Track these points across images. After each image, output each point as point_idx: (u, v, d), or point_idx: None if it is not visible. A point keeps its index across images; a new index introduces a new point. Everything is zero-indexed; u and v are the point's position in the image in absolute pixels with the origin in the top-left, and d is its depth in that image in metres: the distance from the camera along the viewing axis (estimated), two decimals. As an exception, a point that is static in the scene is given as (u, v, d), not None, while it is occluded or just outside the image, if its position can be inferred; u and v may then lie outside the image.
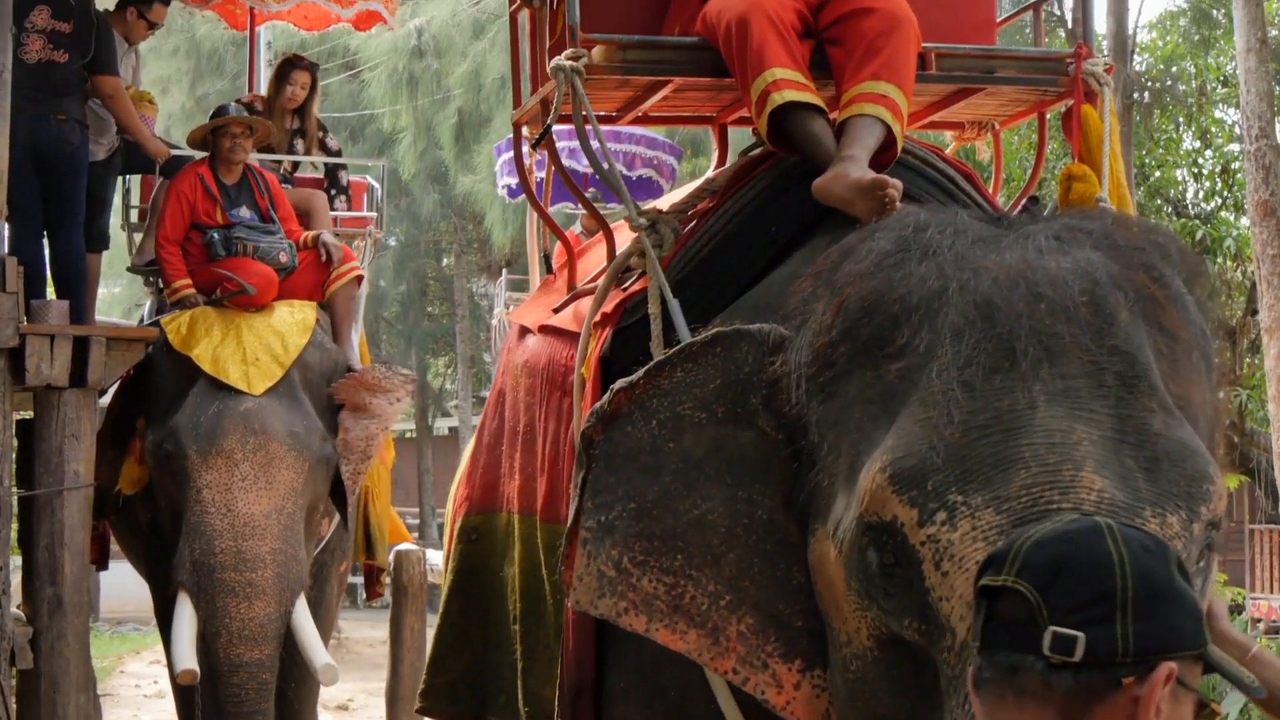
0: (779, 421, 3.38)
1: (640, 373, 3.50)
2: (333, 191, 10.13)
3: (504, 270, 22.05)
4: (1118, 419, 2.89)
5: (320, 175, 10.28)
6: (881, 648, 3.07)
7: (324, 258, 9.02)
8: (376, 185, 10.74)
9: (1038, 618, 2.00)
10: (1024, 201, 4.80)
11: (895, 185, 3.95)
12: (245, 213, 8.96)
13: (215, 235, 8.82)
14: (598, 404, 3.50)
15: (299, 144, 10.12)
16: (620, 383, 3.49)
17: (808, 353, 3.28)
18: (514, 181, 12.88)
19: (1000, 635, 2.05)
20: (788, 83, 4.34)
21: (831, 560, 3.16)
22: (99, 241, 9.44)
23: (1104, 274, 3.08)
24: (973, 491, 2.83)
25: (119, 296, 30.46)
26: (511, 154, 11.70)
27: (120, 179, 9.93)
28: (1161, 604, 1.99)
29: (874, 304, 3.16)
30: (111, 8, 9.56)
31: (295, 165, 10.14)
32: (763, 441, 3.41)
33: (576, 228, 11.36)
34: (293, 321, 8.66)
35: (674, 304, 4.18)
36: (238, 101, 10.03)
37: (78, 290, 8.74)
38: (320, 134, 10.28)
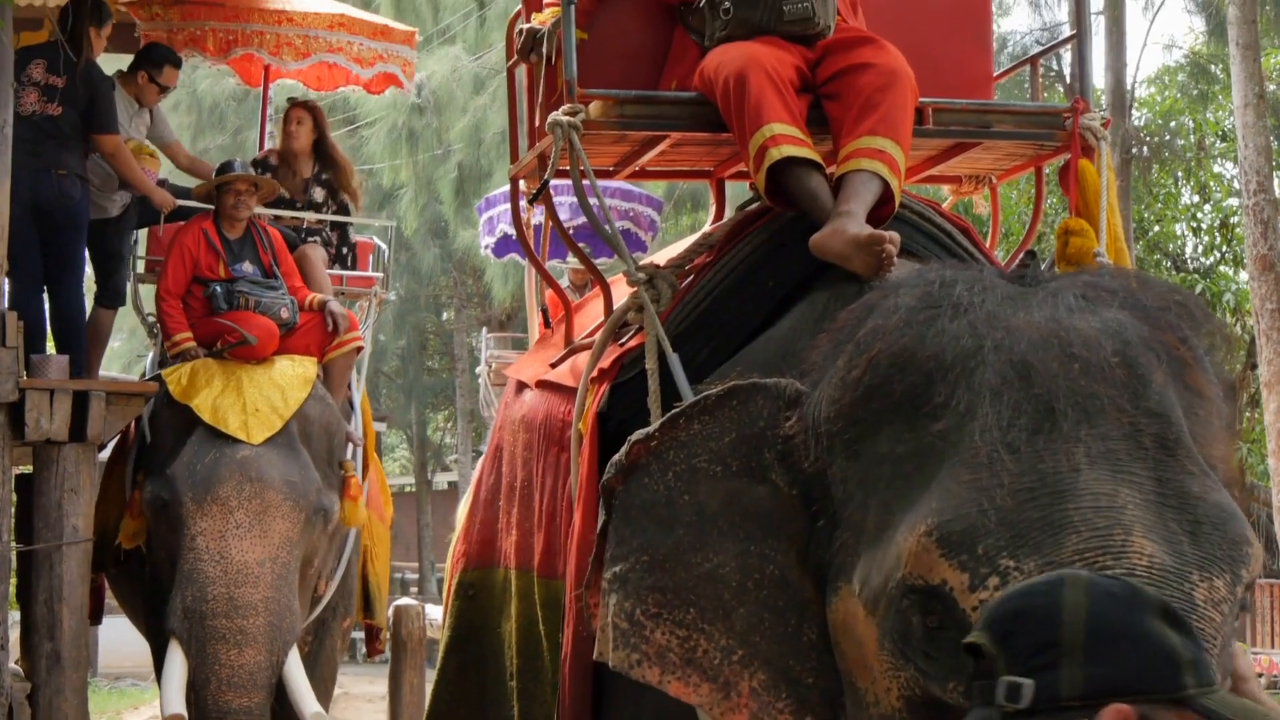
0: (794, 477, 3.37)
1: (657, 424, 3.50)
2: (344, 249, 10.15)
3: (483, 329, 22.16)
4: (1158, 482, 2.88)
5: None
6: (911, 709, 3.03)
7: (330, 326, 9.05)
8: (383, 246, 10.76)
9: (998, 669, 2.02)
10: (1021, 256, 4.80)
11: (893, 240, 3.96)
12: (248, 267, 8.97)
13: (217, 289, 8.83)
14: (617, 455, 3.49)
15: (316, 191, 10.09)
16: (638, 434, 3.49)
17: (830, 408, 3.26)
18: (493, 241, 12.94)
19: (980, 692, 2.06)
20: (786, 138, 4.35)
21: (861, 620, 3.12)
22: (114, 299, 9.47)
23: (1134, 335, 3.09)
24: (1024, 556, 2.81)
25: (119, 351, 30.45)
26: (494, 211, 11.72)
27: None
28: (1121, 646, 1.99)
29: (906, 360, 3.14)
30: (125, 69, 9.64)
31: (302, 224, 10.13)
32: (776, 497, 3.39)
33: (564, 281, 11.36)
34: (293, 374, 8.66)
35: (674, 358, 4.17)
36: (256, 157, 10.10)
37: (77, 345, 8.75)
38: (349, 176, 10.21)
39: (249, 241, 9.07)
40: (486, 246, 13.32)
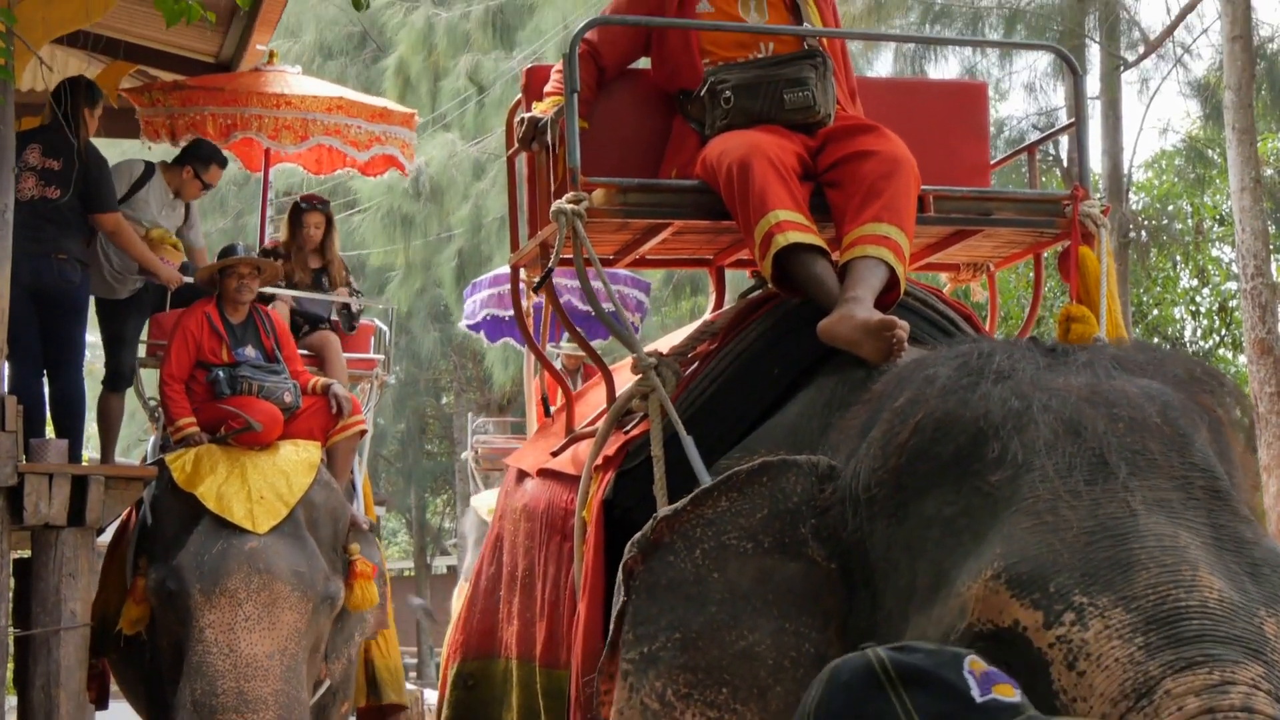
0: (831, 549, 3.35)
1: (683, 502, 3.48)
2: (350, 334, 10.26)
3: (469, 414, 22.13)
4: (1213, 527, 2.93)
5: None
6: None
7: (334, 409, 9.06)
8: (384, 328, 10.81)
9: None
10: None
11: (903, 326, 3.98)
12: (251, 352, 9.00)
13: (220, 374, 8.86)
14: (638, 534, 3.47)
15: (325, 281, 10.22)
16: (662, 511, 3.47)
17: (871, 475, 3.26)
18: (478, 319, 13.00)
19: None
20: (791, 224, 4.37)
21: None
22: (119, 381, 9.49)
23: (1173, 398, 3.15)
24: (1097, 593, 2.82)
25: (120, 434, 30.46)
26: (481, 295, 11.78)
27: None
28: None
29: (953, 423, 3.16)
30: (170, 161, 9.74)
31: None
32: (812, 572, 3.38)
33: (556, 363, 11.38)
34: (298, 460, 8.66)
35: (688, 441, 4.14)
36: (266, 248, 10.17)
37: (76, 429, 8.77)
38: (345, 273, 10.40)
39: (251, 326, 9.09)
40: (466, 325, 13.43)
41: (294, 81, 10.62)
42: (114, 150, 9.66)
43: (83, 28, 9.06)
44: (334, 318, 10.16)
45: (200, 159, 9.82)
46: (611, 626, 3.45)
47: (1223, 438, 3.20)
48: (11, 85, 8.13)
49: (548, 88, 5.05)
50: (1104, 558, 2.86)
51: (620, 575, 3.47)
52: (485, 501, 13.72)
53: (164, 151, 10.35)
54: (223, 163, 10.01)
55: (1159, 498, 2.95)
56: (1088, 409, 3.08)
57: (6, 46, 7.17)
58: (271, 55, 10.84)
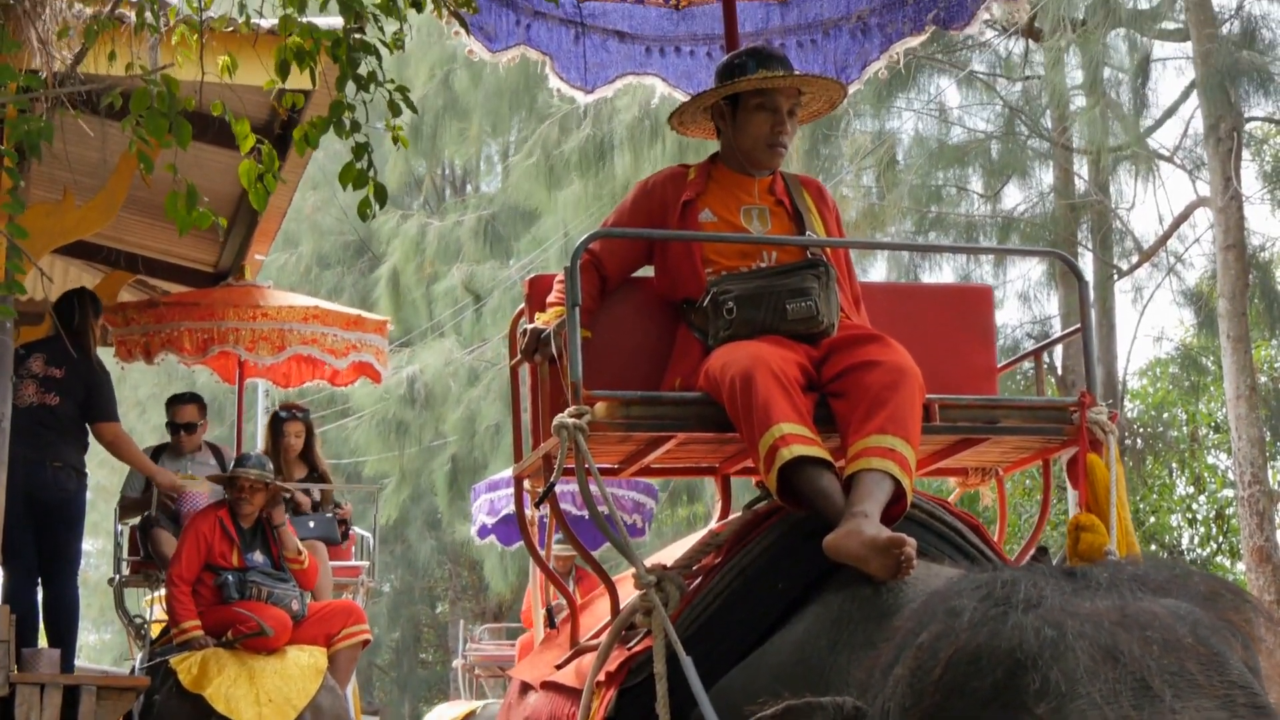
0: None
1: None
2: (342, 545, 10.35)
3: (462, 621, 22.04)
4: None
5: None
6: None
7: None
8: (367, 535, 10.88)
9: None
10: (1033, 551, 4.77)
11: (911, 544, 3.93)
12: (260, 558, 9.09)
13: (230, 578, 8.92)
14: None
15: (314, 492, 10.31)
16: None
17: (904, 717, 3.16)
18: (490, 521, 12.99)
19: None
20: (796, 437, 4.34)
21: None
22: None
23: (1201, 616, 3.11)
24: None
25: (110, 644, 30.25)
26: (487, 497, 11.86)
27: (115, 527, 10.05)
28: None
29: (988, 656, 3.07)
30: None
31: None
32: None
33: (550, 564, 11.42)
34: (305, 665, 8.73)
35: (687, 662, 4.07)
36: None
37: (69, 638, 8.75)
38: (330, 482, 10.50)
39: (260, 533, 9.17)
40: (479, 527, 13.46)
41: (268, 293, 10.75)
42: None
43: (83, 238, 9.14)
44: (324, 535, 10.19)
45: (171, 410, 10.11)
46: None
47: (1253, 653, 3.16)
48: (12, 298, 8.18)
49: (550, 298, 5.06)
50: None
51: None
52: (444, 713, 13.84)
53: (137, 371, 10.46)
54: (187, 399, 10.25)
55: (1207, 718, 2.91)
56: (1122, 633, 3.03)
57: (14, 260, 7.22)
58: (243, 270, 11.01)
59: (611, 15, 6.59)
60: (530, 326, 5.00)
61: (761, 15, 6.66)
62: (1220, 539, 23.35)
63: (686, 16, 6.66)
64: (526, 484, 5.23)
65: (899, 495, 4.32)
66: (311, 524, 9.99)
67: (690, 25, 6.66)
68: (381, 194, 5.53)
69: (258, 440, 11.51)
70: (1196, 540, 23.86)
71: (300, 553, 9.16)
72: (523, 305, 5.31)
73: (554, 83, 6.53)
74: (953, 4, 6.16)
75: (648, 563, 4.53)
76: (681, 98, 6.34)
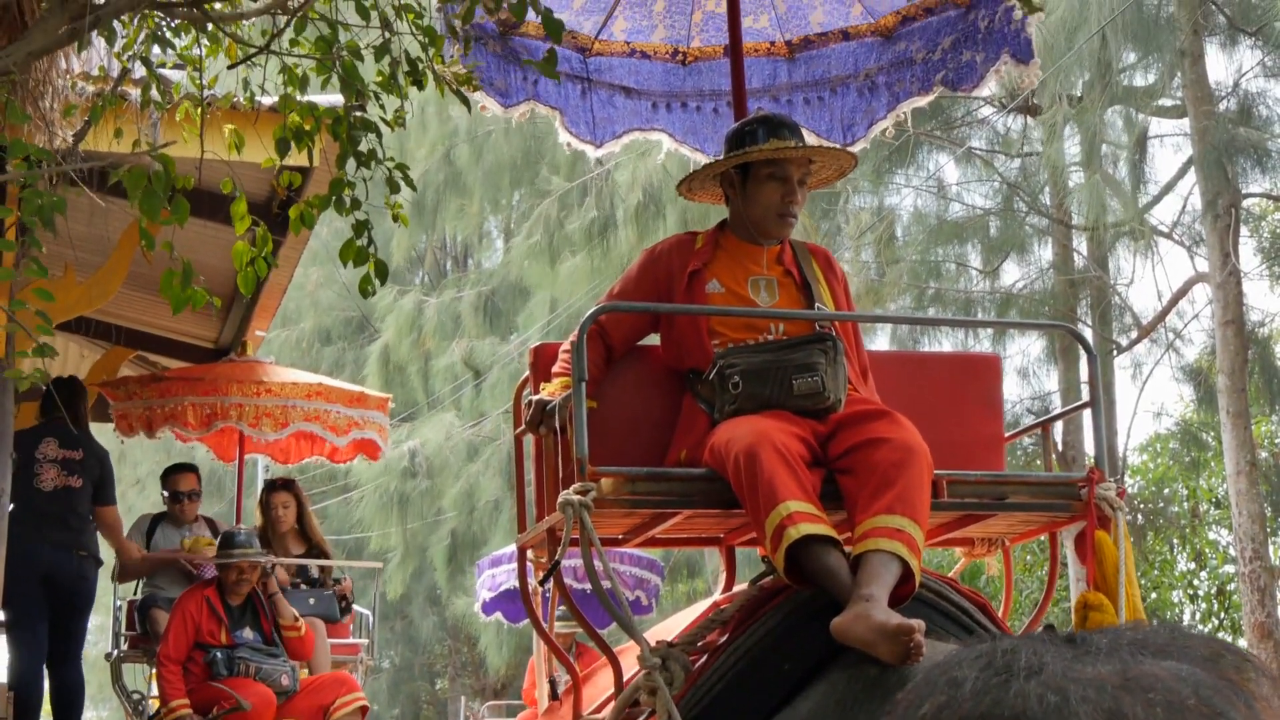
0: None
1: None
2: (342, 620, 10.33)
3: (463, 698, 21.94)
4: None
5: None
6: None
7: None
8: (366, 613, 10.85)
9: None
10: (1040, 628, 4.73)
11: (920, 630, 3.90)
12: (249, 634, 9.06)
13: (218, 654, 8.89)
14: None
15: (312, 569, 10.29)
16: None
17: None
18: (489, 596, 12.94)
19: None
20: (803, 515, 4.30)
21: None
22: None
23: (1204, 678, 3.07)
24: None
25: (107, 719, 30.07)
26: (490, 572, 11.83)
27: (114, 602, 10.07)
28: None
29: None
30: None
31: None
32: None
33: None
34: None
35: None
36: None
37: (73, 718, 8.70)
38: (329, 555, 10.49)
39: (250, 608, 9.16)
40: (482, 603, 13.42)
41: (271, 369, 10.76)
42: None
43: (83, 314, 9.17)
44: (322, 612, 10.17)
45: (168, 480, 10.12)
46: None
47: (1256, 712, 3.14)
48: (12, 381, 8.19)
49: (555, 368, 5.03)
50: None
51: None
52: None
53: (135, 446, 10.52)
54: (183, 468, 10.32)
55: None
56: (1125, 696, 3.01)
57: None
58: (244, 346, 11.01)
59: (617, 70, 6.61)
60: (535, 398, 4.97)
61: (769, 71, 6.67)
62: (1222, 615, 23.28)
63: (693, 72, 6.67)
64: (530, 554, 5.20)
65: (907, 576, 4.28)
66: (311, 600, 9.95)
67: (697, 80, 6.67)
68: (382, 270, 5.53)
69: (254, 516, 11.51)
70: (1198, 616, 23.80)
71: (297, 619, 9.13)
72: (527, 374, 5.28)
73: (564, 137, 6.53)
74: (962, 66, 6.16)
75: (650, 635, 4.50)
76: (688, 153, 6.35)
